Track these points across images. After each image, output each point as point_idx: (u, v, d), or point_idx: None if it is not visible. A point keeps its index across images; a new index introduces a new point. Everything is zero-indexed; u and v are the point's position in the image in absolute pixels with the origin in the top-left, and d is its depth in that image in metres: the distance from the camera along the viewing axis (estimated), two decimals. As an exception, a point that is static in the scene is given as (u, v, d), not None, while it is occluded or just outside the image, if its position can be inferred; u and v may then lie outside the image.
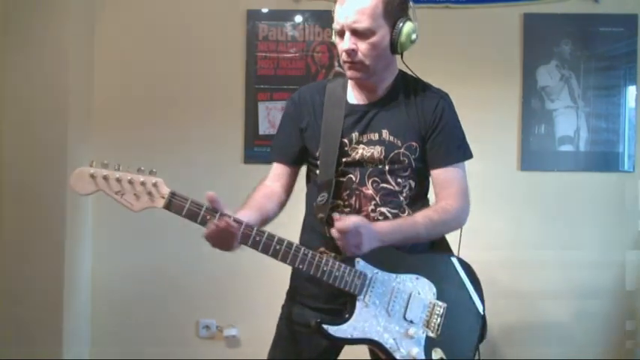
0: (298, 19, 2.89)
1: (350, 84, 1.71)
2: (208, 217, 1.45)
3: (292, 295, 1.77)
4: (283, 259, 1.53)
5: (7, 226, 2.68)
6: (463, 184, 1.67)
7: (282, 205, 1.74)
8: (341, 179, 1.65)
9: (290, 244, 1.54)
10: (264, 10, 2.90)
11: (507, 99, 2.87)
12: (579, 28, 2.84)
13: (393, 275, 1.60)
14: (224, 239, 1.47)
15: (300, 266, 1.54)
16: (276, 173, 1.76)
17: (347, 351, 1.72)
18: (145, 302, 2.94)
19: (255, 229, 1.51)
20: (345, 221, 1.49)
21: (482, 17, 2.86)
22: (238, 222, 1.48)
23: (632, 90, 2.85)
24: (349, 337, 1.57)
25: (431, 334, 1.60)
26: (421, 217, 1.61)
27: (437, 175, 1.67)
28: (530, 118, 2.86)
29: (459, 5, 2.85)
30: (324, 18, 2.86)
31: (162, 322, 2.94)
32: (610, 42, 2.84)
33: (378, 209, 1.62)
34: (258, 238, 1.50)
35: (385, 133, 1.63)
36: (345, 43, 1.57)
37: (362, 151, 1.63)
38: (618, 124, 2.85)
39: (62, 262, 2.66)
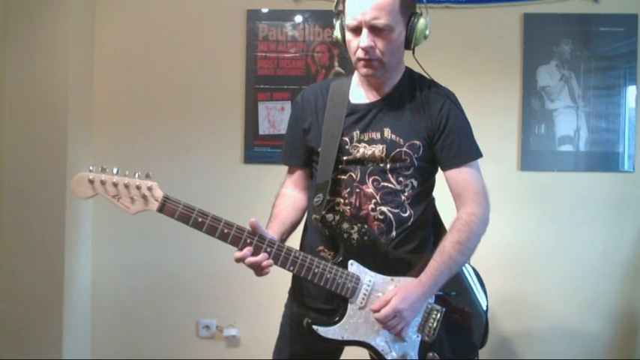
0: (298, 19, 2.89)
1: (354, 82, 1.70)
2: (200, 219, 1.49)
3: (294, 294, 1.77)
4: (274, 261, 1.54)
5: (7, 226, 2.69)
6: (479, 184, 1.63)
7: (305, 208, 1.77)
8: (341, 177, 1.64)
9: (281, 246, 1.55)
10: (264, 10, 2.90)
11: (507, 99, 2.87)
12: (579, 28, 2.84)
13: (389, 278, 1.59)
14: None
15: (291, 268, 1.56)
16: (292, 178, 1.78)
17: (347, 351, 1.72)
18: (144, 302, 2.94)
19: (246, 232, 1.52)
20: (383, 310, 1.52)
21: (482, 17, 2.86)
22: (229, 224, 1.51)
23: (632, 90, 2.85)
24: (340, 338, 1.57)
25: (426, 339, 1.59)
26: (450, 245, 1.56)
27: (451, 176, 1.63)
28: (530, 118, 2.86)
29: (458, 5, 2.86)
30: (324, 18, 2.86)
31: (163, 322, 2.94)
32: (610, 42, 2.84)
33: (378, 208, 1.62)
34: (249, 241, 1.52)
35: (387, 132, 1.62)
36: (362, 40, 1.52)
37: (363, 150, 1.62)
38: (618, 124, 2.85)
39: (62, 262, 2.67)
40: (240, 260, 1.52)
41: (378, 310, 1.53)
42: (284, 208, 1.72)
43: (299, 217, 1.75)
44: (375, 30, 1.52)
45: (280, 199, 1.76)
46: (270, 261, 1.52)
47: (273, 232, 1.61)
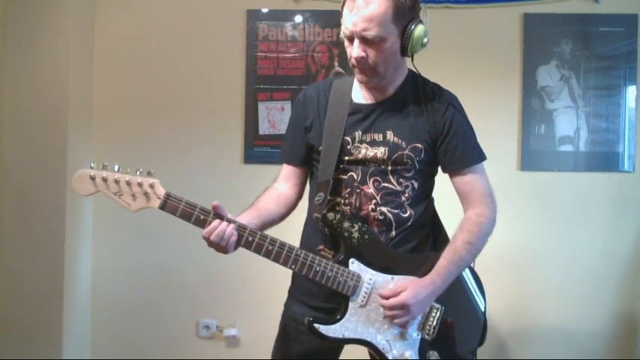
0: (298, 19, 2.89)
1: (356, 82, 1.69)
2: (202, 217, 1.49)
3: (293, 293, 1.77)
4: (275, 260, 1.54)
5: (7, 226, 2.68)
6: (485, 185, 1.65)
7: (290, 206, 1.75)
8: (342, 177, 1.64)
9: (282, 244, 1.55)
10: (264, 10, 2.90)
11: (507, 99, 2.87)
12: (579, 28, 2.84)
13: (389, 277, 1.59)
14: (218, 242, 1.50)
15: (293, 266, 1.56)
16: (285, 174, 1.77)
17: (347, 351, 1.72)
18: (144, 302, 2.94)
19: (248, 229, 1.53)
20: (391, 300, 1.53)
21: (482, 17, 2.86)
22: (231, 222, 1.51)
23: (632, 90, 2.85)
24: (341, 337, 1.58)
25: (426, 337, 1.60)
26: (461, 245, 1.58)
27: (457, 180, 1.65)
28: (530, 118, 2.86)
29: (459, 5, 2.86)
30: (324, 18, 2.86)
31: (163, 322, 2.94)
32: (610, 42, 2.84)
33: (378, 208, 1.62)
34: (250, 239, 1.53)
35: (390, 134, 1.62)
36: (354, 51, 1.54)
37: (365, 151, 1.63)
38: (618, 124, 2.85)
39: (62, 262, 2.66)
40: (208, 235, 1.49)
41: (387, 298, 1.54)
42: (263, 200, 1.70)
43: (281, 211, 1.72)
44: (366, 40, 1.52)
45: (265, 191, 1.74)
46: (233, 231, 1.49)
47: (242, 219, 1.57)
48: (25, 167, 2.67)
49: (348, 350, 1.70)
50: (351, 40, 1.55)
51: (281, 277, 1.80)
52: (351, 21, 1.51)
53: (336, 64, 2.88)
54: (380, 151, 1.62)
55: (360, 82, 1.63)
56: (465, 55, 2.87)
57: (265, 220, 1.65)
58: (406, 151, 1.61)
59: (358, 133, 1.64)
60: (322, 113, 1.67)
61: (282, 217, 1.73)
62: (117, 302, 2.95)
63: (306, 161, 1.75)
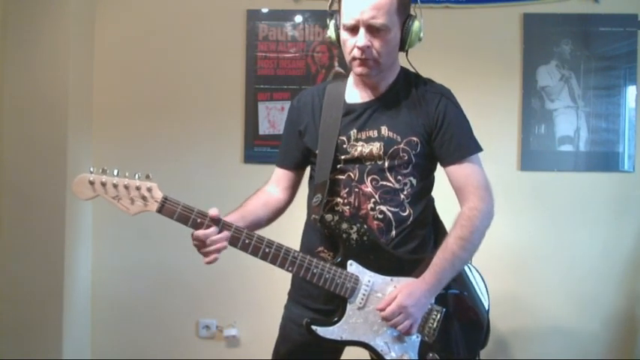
0: (298, 19, 2.89)
1: (350, 83, 1.70)
2: (198, 220, 1.50)
3: (293, 295, 1.77)
4: (272, 262, 1.55)
5: (7, 226, 2.69)
6: (480, 177, 1.62)
7: (279, 210, 1.76)
8: (340, 177, 1.64)
9: (279, 246, 1.55)
10: (264, 10, 2.90)
11: (507, 99, 2.87)
12: (579, 28, 2.84)
13: (388, 278, 1.59)
14: (205, 244, 1.51)
15: (290, 268, 1.56)
16: (276, 177, 1.79)
17: (347, 351, 1.72)
18: (144, 302, 2.94)
19: (245, 232, 1.53)
20: (388, 308, 1.52)
21: (482, 17, 2.86)
22: (227, 225, 1.51)
23: (632, 90, 2.85)
24: (338, 339, 1.57)
25: (426, 339, 1.59)
26: (452, 241, 1.56)
27: (452, 172, 1.63)
28: (530, 118, 2.86)
29: (459, 5, 2.86)
30: (324, 18, 2.82)
31: (163, 322, 2.94)
32: (610, 42, 2.84)
33: (377, 207, 1.61)
34: (247, 241, 1.53)
35: (384, 130, 1.62)
36: (359, 40, 1.54)
37: (361, 148, 1.63)
38: (618, 124, 2.85)
39: (62, 262, 2.67)
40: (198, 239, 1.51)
41: (384, 309, 1.53)
42: (251, 203, 1.71)
43: (267, 215, 1.72)
44: (372, 30, 1.53)
45: (254, 194, 1.75)
46: (223, 237, 1.51)
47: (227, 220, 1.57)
48: (25, 167, 2.67)
49: (348, 350, 1.70)
50: (353, 30, 1.55)
51: (281, 278, 1.80)
52: (358, 10, 1.52)
53: (336, 64, 2.88)
54: (375, 147, 1.61)
55: (360, 74, 1.61)
56: (465, 55, 2.86)
57: (249, 224, 1.63)
58: (402, 145, 1.61)
59: (353, 132, 1.64)
60: (317, 117, 1.68)
61: (269, 221, 1.73)
62: (117, 302, 2.95)
63: (299, 165, 1.76)
